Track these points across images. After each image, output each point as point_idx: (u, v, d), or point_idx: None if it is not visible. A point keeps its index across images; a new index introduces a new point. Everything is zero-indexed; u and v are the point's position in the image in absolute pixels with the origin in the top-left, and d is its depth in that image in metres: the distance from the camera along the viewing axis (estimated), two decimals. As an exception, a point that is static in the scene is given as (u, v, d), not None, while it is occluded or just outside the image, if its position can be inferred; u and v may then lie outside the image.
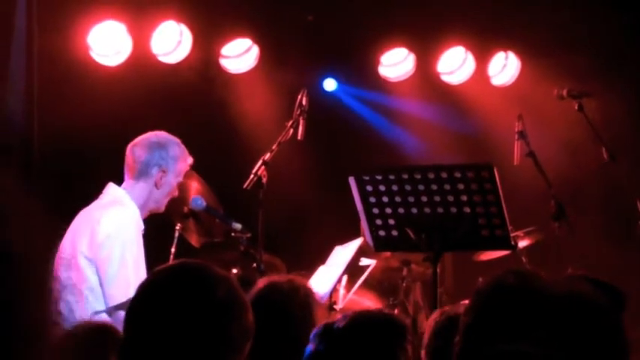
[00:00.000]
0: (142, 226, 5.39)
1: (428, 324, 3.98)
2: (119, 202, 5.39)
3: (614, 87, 8.29)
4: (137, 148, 5.49)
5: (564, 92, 7.17)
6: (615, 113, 8.10)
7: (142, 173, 5.45)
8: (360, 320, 3.40)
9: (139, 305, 2.82)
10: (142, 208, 5.43)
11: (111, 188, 5.49)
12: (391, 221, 5.48)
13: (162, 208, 5.64)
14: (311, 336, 3.41)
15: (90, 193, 5.59)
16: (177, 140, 5.59)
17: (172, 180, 5.52)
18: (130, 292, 3.25)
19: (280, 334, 3.75)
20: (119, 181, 5.52)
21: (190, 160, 5.64)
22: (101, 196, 5.48)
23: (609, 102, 7.98)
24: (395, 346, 3.35)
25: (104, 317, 5.09)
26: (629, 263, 7.77)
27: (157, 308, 2.75)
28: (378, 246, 5.63)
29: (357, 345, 3.33)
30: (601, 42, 8.64)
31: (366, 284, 7.07)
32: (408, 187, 5.41)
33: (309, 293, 3.91)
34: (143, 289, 2.86)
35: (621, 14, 8.52)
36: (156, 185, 5.46)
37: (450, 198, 5.38)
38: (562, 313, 2.21)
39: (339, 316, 3.51)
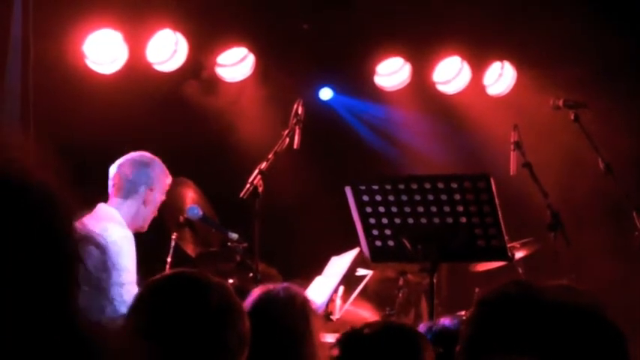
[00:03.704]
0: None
1: None
2: (114, 220, 5.48)
3: (611, 97, 8.29)
4: (124, 168, 5.64)
5: (560, 102, 7.16)
6: (612, 123, 8.10)
7: (130, 191, 5.59)
8: (385, 329, 3.39)
9: (135, 314, 2.82)
10: (129, 226, 5.53)
11: (102, 207, 5.58)
12: (387, 231, 5.48)
13: (147, 227, 5.77)
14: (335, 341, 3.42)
15: (85, 201, 5.59)
16: (158, 160, 5.76)
17: (158, 197, 5.70)
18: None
19: (276, 344, 3.72)
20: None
21: (170, 179, 5.80)
22: (93, 213, 5.52)
23: (606, 112, 7.97)
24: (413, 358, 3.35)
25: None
26: (627, 274, 7.77)
27: (152, 317, 2.75)
28: (374, 256, 5.63)
29: (378, 354, 3.33)
30: (597, 52, 8.64)
31: (363, 295, 7.05)
32: (404, 197, 5.41)
33: (305, 302, 3.89)
34: (139, 299, 2.86)
35: (617, 24, 8.53)
36: (144, 203, 5.60)
37: (447, 208, 5.38)
38: (566, 324, 2.21)
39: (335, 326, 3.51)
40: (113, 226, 5.39)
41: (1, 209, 0.99)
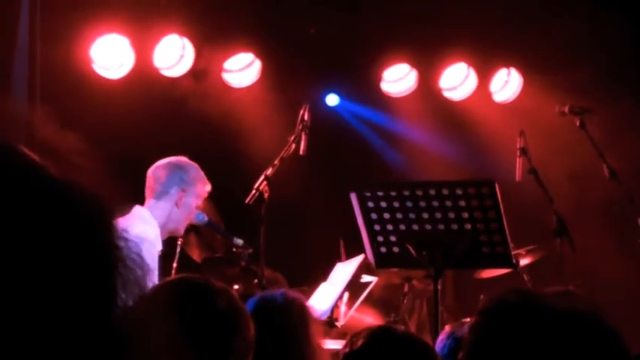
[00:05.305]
0: (160, 246, 5.48)
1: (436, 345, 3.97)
2: (142, 219, 5.48)
3: (617, 103, 8.28)
4: (158, 170, 5.67)
5: (566, 109, 7.16)
6: (618, 129, 8.10)
7: (162, 193, 5.60)
8: (382, 337, 3.38)
9: (140, 319, 2.81)
10: (162, 227, 5.54)
11: (136, 208, 5.58)
12: (392, 238, 5.47)
13: (182, 231, 5.78)
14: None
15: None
16: (196, 165, 5.75)
17: (192, 201, 5.66)
18: None
19: (275, 349, 3.72)
20: (121, 196, 5.55)
21: (209, 186, 5.77)
22: (128, 214, 5.53)
23: (611, 117, 7.97)
24: None
25: None
26: (633, 279, 7.76)
27: (158, 322, 2.75)
28: (379, 263, 5.62)
29: None
30: (603, 58, 8.64)
31: (368, 301, 7.05)
32: (409, 204, 5.41)
33: (303, 307, 3.89)
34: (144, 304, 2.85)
35: (622, 29, 8.53)
36: (176, 205, 5.59)
37: (452, 215, 5.37)
38: (565, 330, 2.22)
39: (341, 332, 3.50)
40: (137, 224, 5.37)
41: (48, 212, 1.01)
